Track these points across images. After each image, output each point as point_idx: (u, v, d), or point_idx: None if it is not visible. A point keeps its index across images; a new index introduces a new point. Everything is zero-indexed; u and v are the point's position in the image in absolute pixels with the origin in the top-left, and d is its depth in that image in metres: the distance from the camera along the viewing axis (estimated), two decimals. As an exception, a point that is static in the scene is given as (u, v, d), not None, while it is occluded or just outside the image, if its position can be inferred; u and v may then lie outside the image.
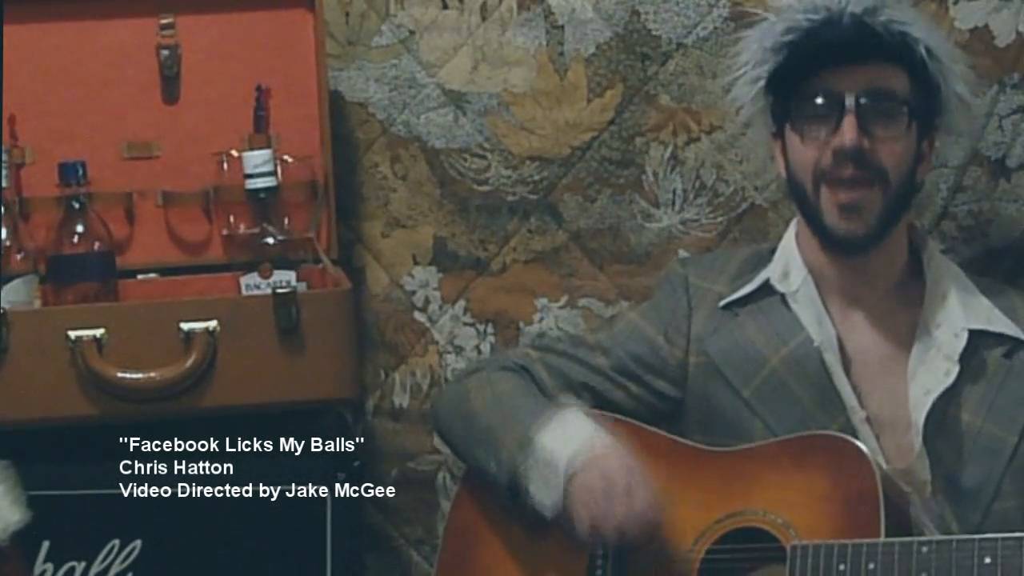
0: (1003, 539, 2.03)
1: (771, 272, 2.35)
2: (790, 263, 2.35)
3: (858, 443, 2.15)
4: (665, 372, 2.37)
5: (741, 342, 2.33)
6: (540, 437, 2.21)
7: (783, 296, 2.33)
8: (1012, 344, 2.28)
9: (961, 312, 2.28)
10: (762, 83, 2.32)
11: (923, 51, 2.25)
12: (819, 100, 2.23)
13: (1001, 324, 2.29)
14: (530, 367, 2.38)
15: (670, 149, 2.69)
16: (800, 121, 2.26)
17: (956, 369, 2.24)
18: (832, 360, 2.27)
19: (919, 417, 2.23)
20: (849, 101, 2.21)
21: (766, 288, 2.35)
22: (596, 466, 2.16)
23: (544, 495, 2.19)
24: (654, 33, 2.68)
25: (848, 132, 2.20)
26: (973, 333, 2.27)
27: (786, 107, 2.29)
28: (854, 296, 2.32)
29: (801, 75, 2.25)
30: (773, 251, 2.40)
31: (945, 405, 2.24)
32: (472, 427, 2.32)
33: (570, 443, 2.19)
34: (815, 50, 2.24)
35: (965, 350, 2.25)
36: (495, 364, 2.40)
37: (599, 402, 2.37)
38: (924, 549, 2.05)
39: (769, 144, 2.38)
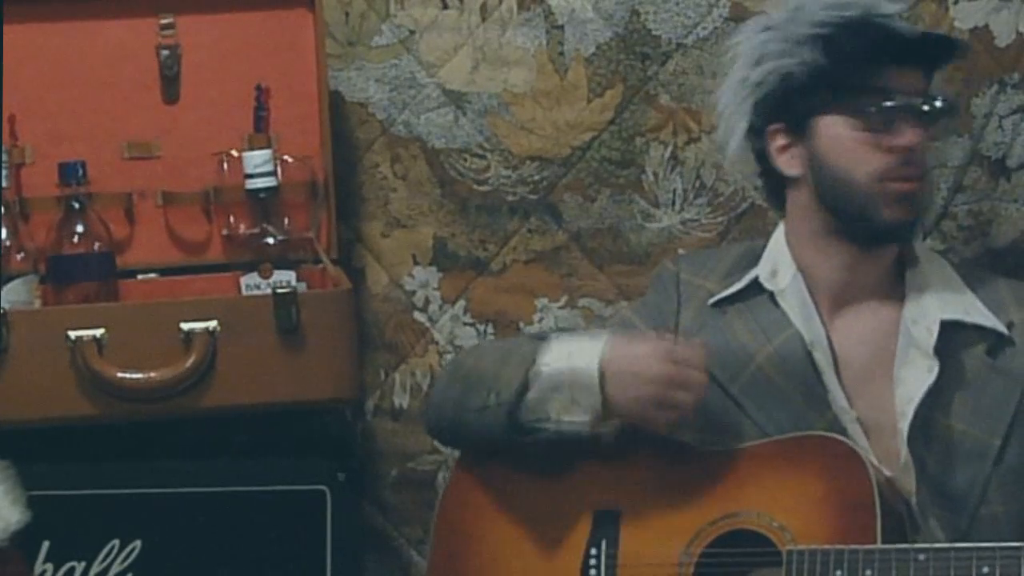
0: (1001, 548, 2.02)
1: (760, 271, 2.34)
2: (779, 262, 2.33)
3: (854, 445, 2.15)
4: None
5: (728, 339, 2.31)
6: (547, 365, 2.19)
7: (771, 294, 2.31)
8: (994, 340, 2.26)
9: (936, 304, 2.27)
10: (770, 77, 2.29)
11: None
12: (883, 99, 2.23)
13: (979, 316, 2.26)
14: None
15: (670, 149, 2.69)
16: (856, 116, 2.24)
17: (936, 366, 2.22)
18: (822, 358, 2.26)
19: (903, 426, 2.22)
20: (907, 102, 2.23)
21: (754, 286, 2.33)
22: (630, 364, 2.17)
23: (578, 412, 2.19)
24: (654, 33, 2.68)
25: (911, 136, 2.22)
26: (946, 324, 2.24)
27: (816, 101, 2.26)
28: (843, 295, 2.30)
29: (853, 71, 2.25)
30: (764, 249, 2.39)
31: (929, 410, 2.22)
32: (469, 380, 2.28)
33: (583, 355, 2.18)
34: (869, 49, 2.25)
35: (940, 343, 2.23)
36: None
37: None
38: (921, 557, 2.04)
39: (771, 141, 2.33)
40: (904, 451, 2.21)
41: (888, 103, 2.22)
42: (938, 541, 2.18)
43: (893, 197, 2.23)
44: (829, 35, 2.26)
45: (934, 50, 2.29)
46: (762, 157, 2.34)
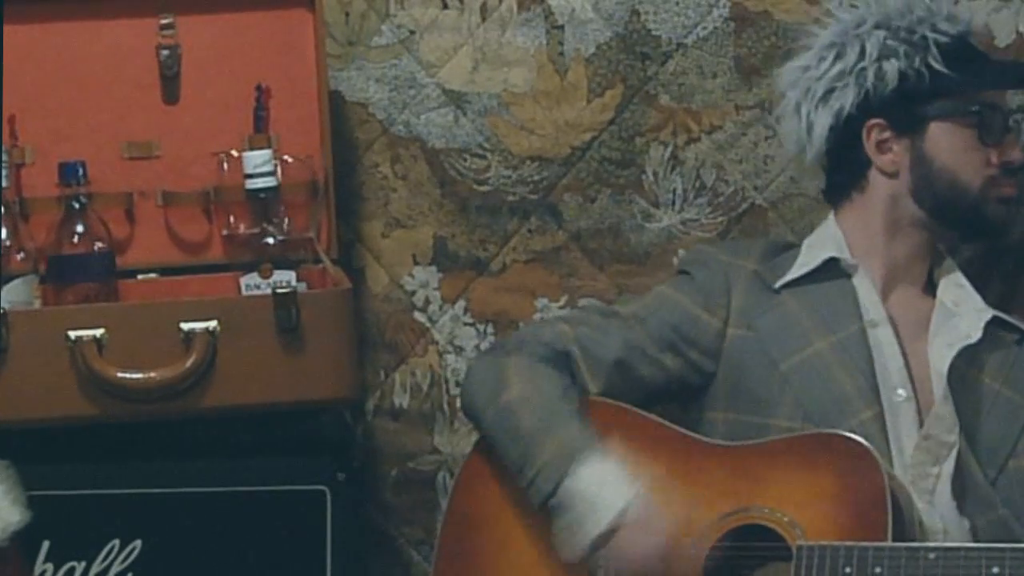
0: (1012, 549, 2.04)
1: (833, 252, 2.38)
2: (840, 247, 2.39)
3: (868, 444, 2.16)
4: (701, 343, 2.37)
5: (785, 318, 2.35)
6: (578, 477, 2.22)
7: (843, 278, 2.36)
8: (1020, 336, 2.35)
9: (979, 297, 2.36)
10: (890, 73, 2.35)
11: None
12: (998, 114, 2.36)
13: (1012, 318, 2.36)
14: (568, 351, 2.36)
15: (670, 149, 2.69)
16: (973, 128, 2.34)
17: (977, 335, 2.30)
18: (885, 336, 2.32)
19: (943, 367, 2.28)
20: (1012, 121, 2.40)
21: (826, 267, 2.38)
22: (632, 539, 2.20)
23: (579, 534, 2.21)
24: (654, 33, 2.68)
25: (1019, 151, 2.37)
26: (993, 317, 2.34)
27: (934, 106, 2.35)
28: (893, 280, 2.38)
29: (978, 86, 2.36)
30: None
31: (966, 365, 2.30)
32: (507, 421, 2.30)
33: (608, 501, 2.21)
34: (996, 68, 2.41)
35: (986, 326, 2.32)
36: (534, 347, 2.36)
37: (628, 381, 2.36)
38: (932, 556, 2.05)
39: (838, 130, 2.39)
40: (940, 389, 2.28)
41: (1011, 121, 2.39)
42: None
43: (999, 200, 2.36)
44: (948, 44, 2.35)
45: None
46: (846, 146, 2.39)
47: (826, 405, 2.28)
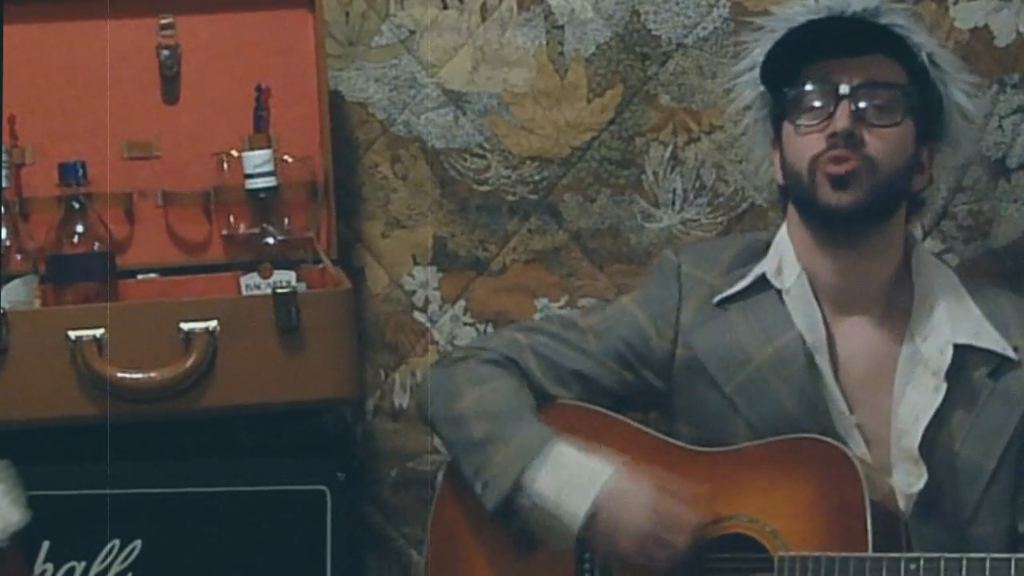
0: (992, 559, 2.02)
1: (767, 267, 2.33)
2: (784, 260, 2.33)
3: (847, 450, 2.15)
4: (652, 363, 2.35)
5: (727, 337, 2.31)
6: (538, 481, 2.21)
7: (778, 293, 2.31)
8: (998, 362, 2.25)
9: (948, 325, 2.26)
10: (761, 87, 2.33)
11: (925, 57, 2.27)
12: (815, 90, 2.25)
13: (989, 339, 2.25)
14: (519, 358, 2.36)
15: (670, 149, 2.69)
16: (796, 113, 2.27)
17: (944, 387, 2.22)
18: (823, 363, 2.26)
19: (910, 444, 2.21)
20: (844, 89, 2.23)
21: (760, 283, 2.33)
22: (618, 517, 2.18)
23: (555, 540, 2.22)
24: (654, 33, 2.68)
25: (841, 119, 2.22)
26: (959, 348, 2.24)
27: (782, 103, 2.29)
28: (846, 299, 2.29)
29: (796, 67, 2.27)
30: (769, 243, 2.38)
31: (934, 432, 2.22)
32: (460, 432, 2.31)
33: (575, 493, 2.19)
34: (810, 42, 2.26)
35: (952, 365, 2.23)
36: (482, 354, 2.37)
37: (590, 390, 2.36)
38: (912, 566, 2.04)
39: (769, 151, 2.38)
40: (898, 468, 2.21)
41: (797, 89, 2.25)
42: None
43: (828, 179, 2.22)
44: (790, 39, 2.29)
45: (861, 39, 2.26)
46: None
47: (775, 423, 2.24)
